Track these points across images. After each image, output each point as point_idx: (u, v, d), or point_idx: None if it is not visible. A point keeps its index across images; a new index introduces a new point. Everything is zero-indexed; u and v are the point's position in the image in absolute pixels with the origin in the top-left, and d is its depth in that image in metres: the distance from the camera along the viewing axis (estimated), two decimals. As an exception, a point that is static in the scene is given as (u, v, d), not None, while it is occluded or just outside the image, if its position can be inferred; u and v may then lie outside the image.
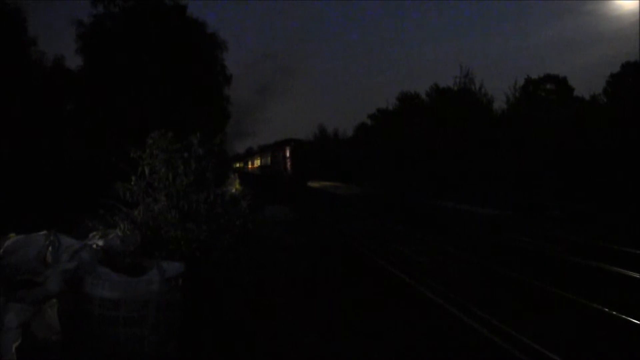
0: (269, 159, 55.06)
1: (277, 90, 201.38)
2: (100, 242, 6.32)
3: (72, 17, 37.36)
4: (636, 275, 10.69)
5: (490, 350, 7.18)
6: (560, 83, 51.09)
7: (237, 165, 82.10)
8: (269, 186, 40.33)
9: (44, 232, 5.82)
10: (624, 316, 8.13)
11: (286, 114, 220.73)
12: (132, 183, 7.99)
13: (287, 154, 47.92)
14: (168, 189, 8.07)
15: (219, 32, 48.82)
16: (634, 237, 14.74)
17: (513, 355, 6.79)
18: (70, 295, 5.20)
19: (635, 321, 7.89)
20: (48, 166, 22.98)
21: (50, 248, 5.66)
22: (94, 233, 7.16)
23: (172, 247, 7.28)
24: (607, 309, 8.42)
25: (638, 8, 72.24)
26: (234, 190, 9.33)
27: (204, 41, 39.41)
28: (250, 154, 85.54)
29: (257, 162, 66.46)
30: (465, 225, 19.49)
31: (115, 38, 34.79)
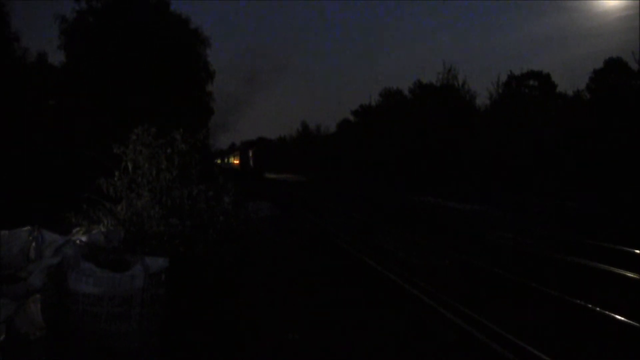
0: (239, 156, 74.25)
1: (263, 85, 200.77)
2: (84, 238, 6.32)
3: (55, 12, 37.09)
4: (617, 270, 10.77)
5: (474, 345, 7.21)
6: (544, 79, 51.28)
7: (219, 161, 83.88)
8: (242, 177, 47.65)
9: (28, 227, 5.83)
10: (600, 309, 8.20)
11: (272, 109, 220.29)
12: (116, 179, 8.00)
13: (250, 154, 68.98)
14: (151, 184, 8.08)
15: (202, 27, 48.76)
16: (619, 234, 14.83)
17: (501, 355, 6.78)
18: (54, 291, 5.21)
19: (614, 315, 7.95)
20: (30, 162, 22.86)
21: (33, 243, 5.66)
22: (78, 229, 7.17)
23: (155, 242, 7.29)
24: (590, 305, 8.47)
25: (622, 5, 72.75)
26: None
27: (187, 37, 39.35)
28: (232, 151, 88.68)
29: (232, 159, 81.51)
30: (447, 221, 19.58)
31: (97, 34, 34.65)
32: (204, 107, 42.91)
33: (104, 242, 6.40)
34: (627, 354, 6.98)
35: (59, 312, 5.22)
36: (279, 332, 7.37)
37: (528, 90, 49.95)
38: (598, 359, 6.86)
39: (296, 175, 72.23)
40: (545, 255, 12.73)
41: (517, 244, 14.39)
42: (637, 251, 12.29)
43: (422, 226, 18.55)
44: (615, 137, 27.52)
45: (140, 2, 37.04)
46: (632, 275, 10.27)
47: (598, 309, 8.25)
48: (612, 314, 7.93)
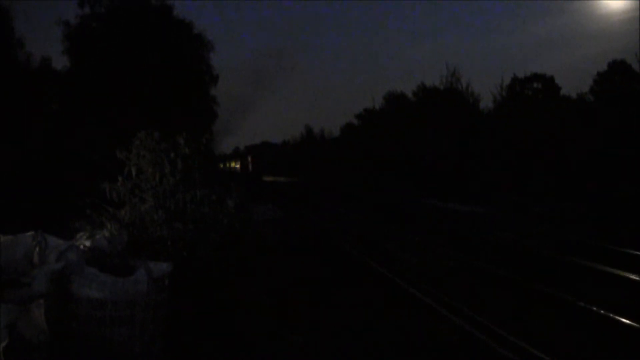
0: (240, 161, 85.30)
1: (268, 88, 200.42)
2: (88, 243, 6.33)
3: (59, 17, 37.22)
4: (614, 270, 10.76)
5: (476, 348, 7.19)
6: (547, 82, 51.08)
7: (221, 165, 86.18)
8: (242, 180, 49.14)
9: (31, 232, 5.83)
10: (604, 312, 8.18)
11: (276, 113, 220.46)
12: (119, 183, 8.02)
13: (249, 160, 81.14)
14: (155, 189, 8.10)
15: (206, 31, 48.82)
16: (618, 235, 14.82)
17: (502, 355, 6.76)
18: (57, 296, 5.22)
19: (613, 316, 7.93)
20: (34, 167, 22.90)
21: (37, 248, 5.67)
22: (81, 233, 7.17)
23: (159, 246, 7.31)
24: (594, 308, 8.43)
25: (626, 7, 72.60)
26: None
27: (190, 41, 39.43)
28: (235, 155, 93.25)
29: (234, 163, 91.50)
30: (450, 223, 19.59)
31: (101, 39, 34.75)
32: (208, 111, 42.93)
33: (108, 247, 6.40)
34: (630, 355, 6.97)
35: (62, 317, 5.23)
36: (283, 334, 7.36)
37: (532, 93, 49.79)
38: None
39: (300, 179, 73.02)
40: (548, 256, 12.72)
41: (519, 244, 14.39)
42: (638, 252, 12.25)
43: (426, 228, 18.56)
44: (618, 139, 27.52)
45: (143, 7, 37.16)
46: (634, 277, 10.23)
47: (602, 311, 8.22)
48: (616, 316, 7.91)
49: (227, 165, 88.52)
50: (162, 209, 7.88)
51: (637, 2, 56.08)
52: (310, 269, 12.09)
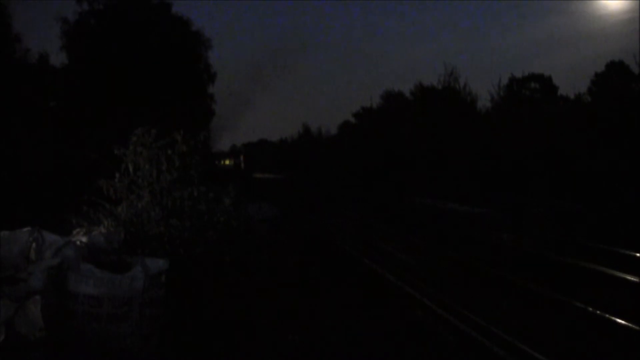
0: (233, 159, 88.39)
1: (267, 86, 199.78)
2: (84, 239, 6.33)
3: (57, 14, 37.19)
4: (608, 270, 10.79)
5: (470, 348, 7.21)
6: (545, 82, 51.17)
7: (216, 162, 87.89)
8: (235, 176, 51.41)
9: (28, 228, 5.83)
10: (592, 309, 8.20)
11: (275, 111, 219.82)
12: (116, 180, 8.02)
13: (241, 158, 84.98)
14: (152, 185, 8.09)
15: (204, 29, 48.84)
16: (613, 235, 14.84)
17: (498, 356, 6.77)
18: (54, 292, 5.22)
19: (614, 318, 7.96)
20: (31, 163, 22.86)
21: (33, 245, 5.67)
22: (78, 230, 7.18)
23: (155, 243, 7.30)
24: (594, 309, 8.44)
25: (624, 8, 72.57)
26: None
27: (188, 39, 39.43)
28: (230, 153, 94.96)
29: (228, 161, 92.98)
30: (447, 223, 19.58)
31: (99, 35, 34.74)
32: (205, 109, 42.94)
33: (104, 244, 6.41)
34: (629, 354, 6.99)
35: (58, 313, 5.22)
36: (278, 333, 7.36)
37: (529, 93, 49.83)
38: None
39: (297, 177, 73.23)
40: (545, 256, 12.73)
41: (516, 245, 14.40)
42: (634, 253, 12.26)
43: (422, 228, 18.55)
44: (616, 139, 27.56)
45: (141, 3, 37.16)
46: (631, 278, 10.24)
47: (590, 309, 8.24)
48: (610, 316, 7.93)
49: (222, 162, 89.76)
50: (159, 205, 7.88)
51: (636, 3, 56.07)
52: (307, 268, 12.07)
